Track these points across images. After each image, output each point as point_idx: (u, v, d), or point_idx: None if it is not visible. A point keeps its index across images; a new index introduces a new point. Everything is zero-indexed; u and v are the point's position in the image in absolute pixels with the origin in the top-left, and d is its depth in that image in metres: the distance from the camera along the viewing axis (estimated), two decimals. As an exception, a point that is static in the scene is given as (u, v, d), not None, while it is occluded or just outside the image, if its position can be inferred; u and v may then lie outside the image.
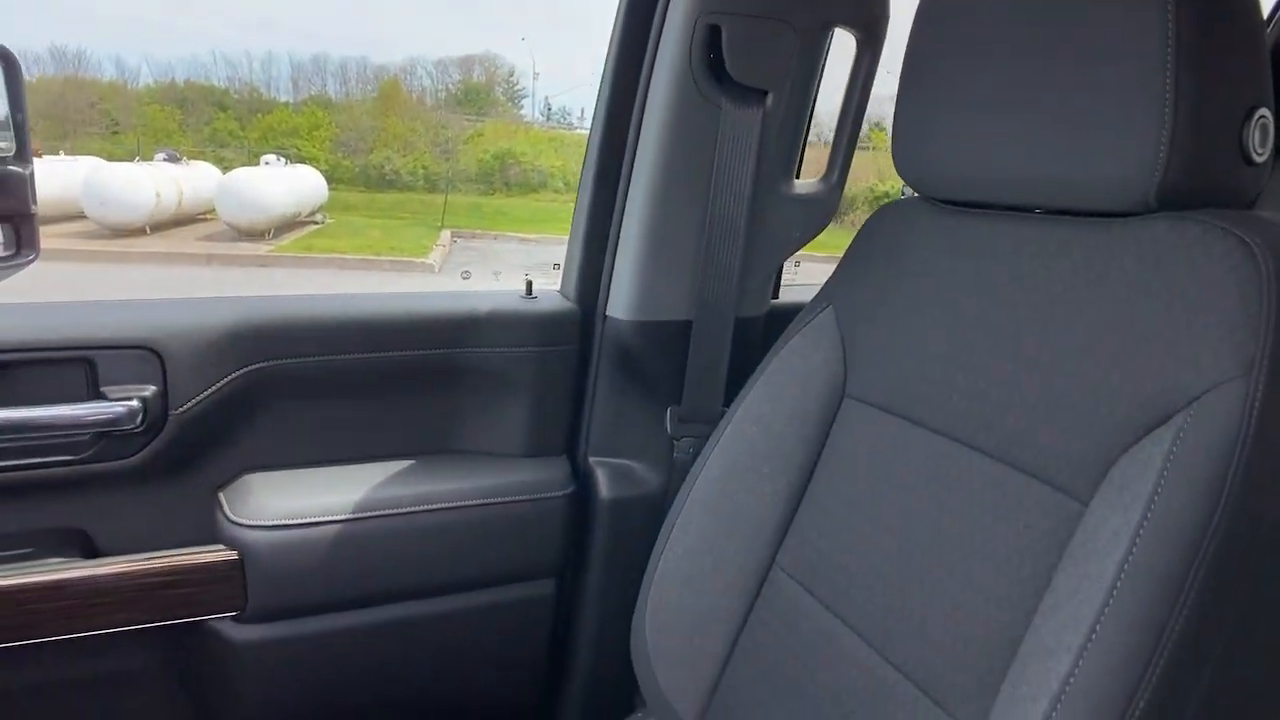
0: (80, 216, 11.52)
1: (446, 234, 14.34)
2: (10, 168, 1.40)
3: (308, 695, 1.05)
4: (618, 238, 1.14)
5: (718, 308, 1.12)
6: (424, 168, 21.28)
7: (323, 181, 15.37)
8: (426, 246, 12.61)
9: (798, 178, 1.23)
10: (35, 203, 1.48)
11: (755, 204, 1.11)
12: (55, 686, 1.02)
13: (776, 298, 1.36)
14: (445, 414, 1.17)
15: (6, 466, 0.94)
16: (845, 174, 1.22)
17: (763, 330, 1.22)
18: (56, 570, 0.95)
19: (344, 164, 21.18)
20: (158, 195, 11.95)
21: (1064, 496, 0.67)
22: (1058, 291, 0.73)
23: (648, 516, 1.14)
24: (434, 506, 1.09)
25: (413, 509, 1.07)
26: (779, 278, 1.38)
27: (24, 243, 1.44)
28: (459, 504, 1.10)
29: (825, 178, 1.21)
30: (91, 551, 1.00)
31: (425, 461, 1.15)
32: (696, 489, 1.00)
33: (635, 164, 1.10)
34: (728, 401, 1.07)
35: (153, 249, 10.93)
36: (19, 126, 1.44)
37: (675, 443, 1.17)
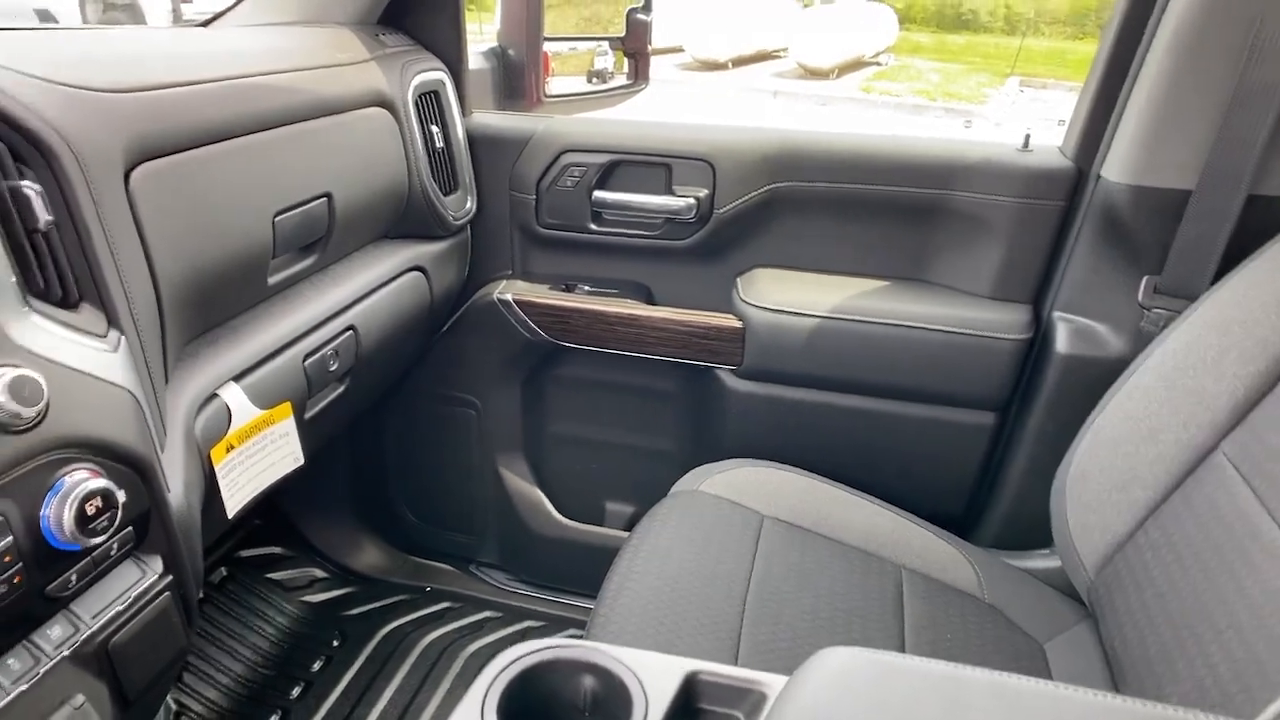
0: (678, 50, 13.17)
1: (1014, 82, 13.26)
2: (639, 15, 1.84)
3: (774, 442, 1.37)
4: (1128, 96, 1.12)
5: (1227, 181, 1.06)
6: (1006, 6, 19.52)
7: (894, 21, 15.15)
8: (986, 94, 11.86)
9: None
10: (651, 44, 1.92)
11: None
12: (621, 387, 1.49)
13: None
14: (924, 247, 1.32)
15: (616, 232, 1.38)
16: None
17: None
18: (631, 308, 1.37)
19: (920, 1, 20.42)
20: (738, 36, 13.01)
21: None
22: None
23: (1099, 377, 1.17)
24: (900, 323, 1.27)
25: (881, 320, 1.28)
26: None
27: (640, 75, 1.90)
28: (923, 326, 1.27)
29: None
30: (651, 301, 1.42)
31: (899, 284, 1.33)
32: (1154, 357, 1.03)
33: (1164, 13, 1.06)
34: (1216, 281, 1.03)
35: (728, 82, 12.11)
36: (650, -22, 1.86)
37: (1145, 312, 1.17)
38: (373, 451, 1.67)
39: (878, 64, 14.50)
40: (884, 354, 1.29)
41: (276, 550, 1.69)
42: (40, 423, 0.65)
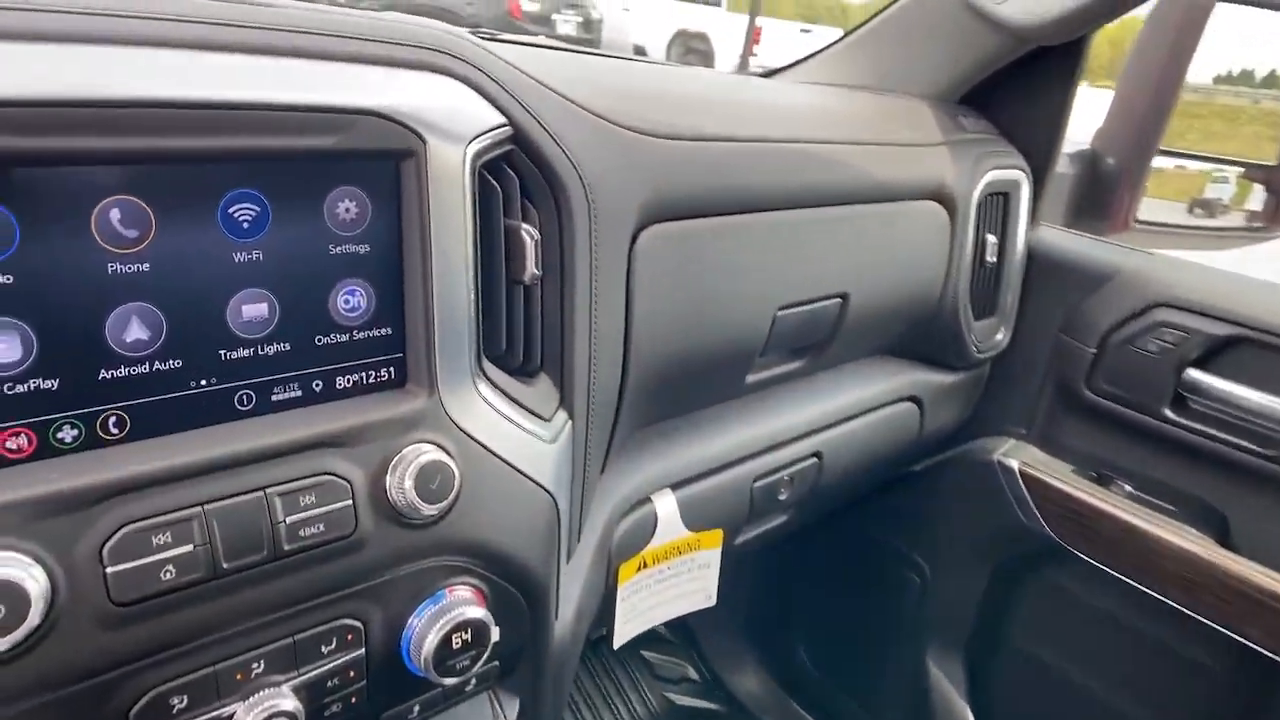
0: None
1: None
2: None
3: None
4: None
5: None
6: None
7: None
8: None
9: None
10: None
11: None
12: (1135, 632, 1.06)
13: None
14: None
15: (1205, 433, 0.97)
16: None
17: None
18: (1191, 541, 0.95)
19: None
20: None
21: None
22: None
23: None
24: None
25: None
26: None
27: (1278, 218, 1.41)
28: None
29: None
30: (1224, 541, 0.97)
31: None
32: None
33: None
34: None
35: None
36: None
37: None
38: (787, 571, 1.45)
39: None
40: None
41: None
42: (439, 521, 0.53)
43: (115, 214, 0.41)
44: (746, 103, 0.87)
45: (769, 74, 1.26)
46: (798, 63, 1.20)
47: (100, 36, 0.40)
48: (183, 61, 0.42)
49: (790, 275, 0.83)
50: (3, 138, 0.37)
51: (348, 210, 0.49)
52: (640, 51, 9.15)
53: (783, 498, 0.93)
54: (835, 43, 1.18)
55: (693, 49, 9.89)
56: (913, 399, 1.06)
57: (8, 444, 0.41)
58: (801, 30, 10.78)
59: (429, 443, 0.52)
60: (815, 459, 0.95)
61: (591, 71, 0.73)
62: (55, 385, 0.41)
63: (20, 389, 0.41)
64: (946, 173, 0.97)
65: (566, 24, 9.43)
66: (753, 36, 9.59)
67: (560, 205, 0.60)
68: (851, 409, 0.99)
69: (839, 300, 0.88)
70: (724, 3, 10.91)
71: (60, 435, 0.42)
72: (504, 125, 0.55)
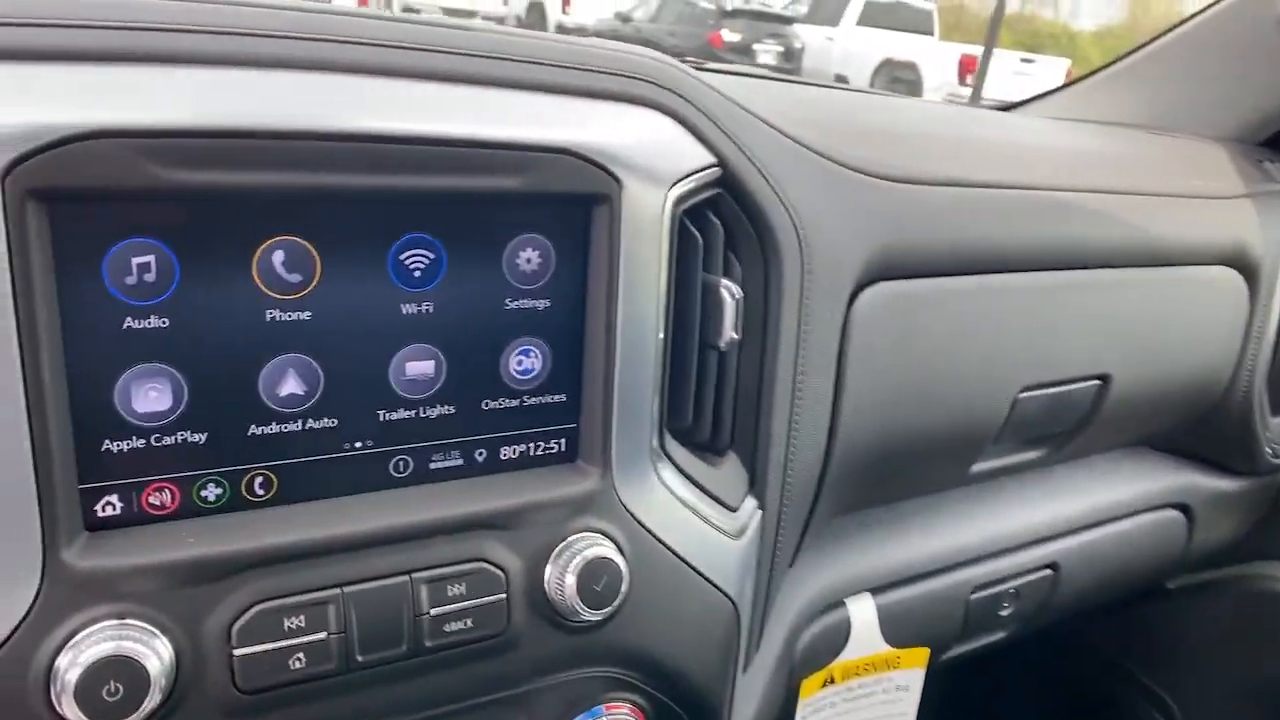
0: None
1: None
2: None
3: None
4: None
5: None
6: None
7: None
8: None
9: None
10: None
11: None
12: None
13: None
14: None
15: None
16: None
17: None
18: None
19: None
20: None
21: None
22: None
23: None
24: None
25: None
26: None
27: None
28: None
29: None
30: None
31: None
32: None
33: None
34: None
35: None
36: None
37: None
38: (990, 677, 1.26)
39: None
40: None
41: None
42: (602, 625, 0.46)
43: (279, 256, 0.38)
44: (992, 141, 0.74)
45: (1007, 108, 1.11)
46: (1044, 95, 1.05)
47: (267, 60, 0.36)
48: (357, 89, 0.38)
49: (1039, 350, 0.69)
50: (168, 172, 0.34)
51: (529, 261, 0.43)
52: (842, 81, 8.89)
53: (1005, 613, 0.78)
54: (1095, 72, 1.01)
55: (899, 79, 9.46)
56: (1179, 506, 0.87)
57: (151, 499, 0.38)
58: (1022, 60, 9.94)
59: (597, 532, 0.45)
60: (1049, 571, 0.79)
61: (811, 103, 0.65)
62: (203, 440, 0.38)
63: (168, 441, 0.38)
64: (1247, 232, 0.79)
65: (767, 53, 9.36)
66: (966, 66, 9.08)
67: (770, 259, 0.52)
68: (1099, 513, 0.82)
69: (1097, 383, 0.73)
70: (937, 30, 10.41)
71: (204, 493, 0.39)
72: (713, 166, 0.47)
